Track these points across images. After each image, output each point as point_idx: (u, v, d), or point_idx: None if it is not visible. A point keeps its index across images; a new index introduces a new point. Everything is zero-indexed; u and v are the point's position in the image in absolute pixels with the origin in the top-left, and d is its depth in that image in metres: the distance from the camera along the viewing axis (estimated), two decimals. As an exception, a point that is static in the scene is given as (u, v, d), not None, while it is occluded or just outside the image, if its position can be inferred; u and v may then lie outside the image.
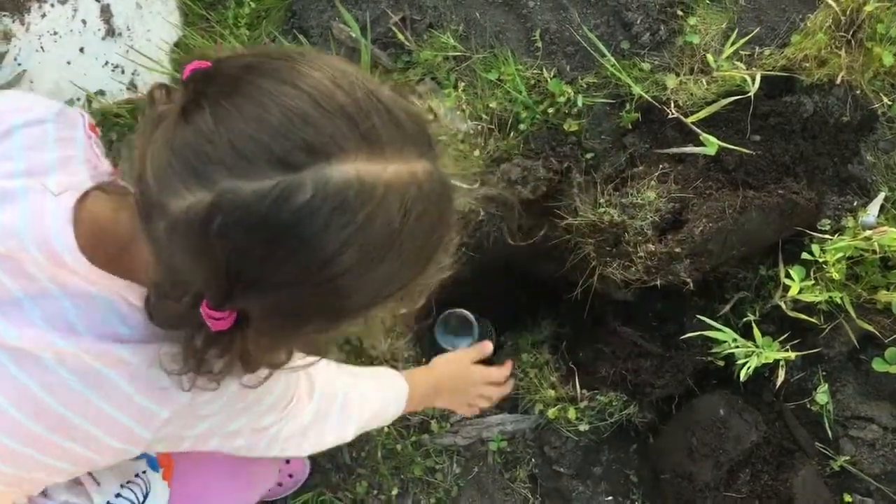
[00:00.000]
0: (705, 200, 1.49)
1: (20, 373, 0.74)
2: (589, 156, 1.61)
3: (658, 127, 1.57)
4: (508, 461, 1.63)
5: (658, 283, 1.48)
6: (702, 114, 1.47)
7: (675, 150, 1.53)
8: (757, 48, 1.56)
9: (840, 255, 1.42)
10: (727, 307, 1.56)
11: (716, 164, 1.53)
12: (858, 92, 1.54)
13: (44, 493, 0.94)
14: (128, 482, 1.00)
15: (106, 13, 1.81)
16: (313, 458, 1.64)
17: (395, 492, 1.61)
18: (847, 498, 1.46)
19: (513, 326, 1.83)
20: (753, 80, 1.48)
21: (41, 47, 1.83)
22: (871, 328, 1.43)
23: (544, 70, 1.60)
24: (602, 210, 1.53)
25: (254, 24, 1.73)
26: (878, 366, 1.42)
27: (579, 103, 1.57)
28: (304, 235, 0.62)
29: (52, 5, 1.80)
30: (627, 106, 1.59)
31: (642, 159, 1.57)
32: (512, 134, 1.61)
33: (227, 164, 0.61)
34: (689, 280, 1.48)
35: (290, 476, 1.59)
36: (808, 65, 1.54)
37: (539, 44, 1.61)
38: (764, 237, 1.48)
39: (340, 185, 0.62)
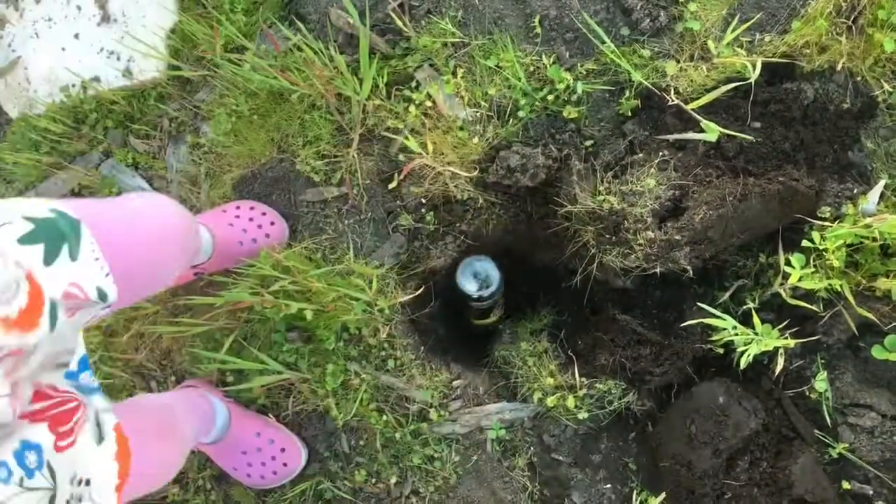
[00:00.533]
0: (705, 188, 1.48)
1: None
2: (588, 143, 1.61)
3: (658, 114, 1.56)
4: (507, 449, 1.63)
5: (658, 270, 1.48)
6: (702, 101, 1.46)
7: (675, 136, 1.52)
8: (757, 34, 1.55)
9: (840, 242, 1.41)
10: (726, 295, 1.56)
11: (716, 152, 1.52)
12: (859, 78, 1.53)
13: None
14: None
15: (101, -1, 1.79)
16: (311, 447, 1.64)
17: (393, 480, 1.61)
18: (846, 485, 1.46)
19: (512, 314, 1.82)
20: (754, 66, 1.47)
21: (35, 33, 1.81)
22: (870, 316, 1.43)
23: (543, 56, 1.59)
24: (601, 198, 1.52)
25: (251, 10, 1.71)
26: (877, 353, 1.42)
27: (579, 90, 1.56)
28: None
29: (47, -9, 1.78)
30: (627, 93, 1.58)
31: (642, 146, 1.56)
32: (511, 121, 1.61)
33: None
34: (688, 268, 1.47)
35: (286, 465, 1.58)
36: (808, 51, 1.54)
37: (538, 30, 1.60)
38: (764, 224, 1.47)
39: None
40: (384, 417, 1.61)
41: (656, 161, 1.51)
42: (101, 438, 0.99)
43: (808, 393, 1.50)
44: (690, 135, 1.49)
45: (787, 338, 1.43)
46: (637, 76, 1.53)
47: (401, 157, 1.65)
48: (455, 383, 1.66)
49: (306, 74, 1.61)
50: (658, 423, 1.56)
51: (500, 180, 1.59)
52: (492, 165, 1.60)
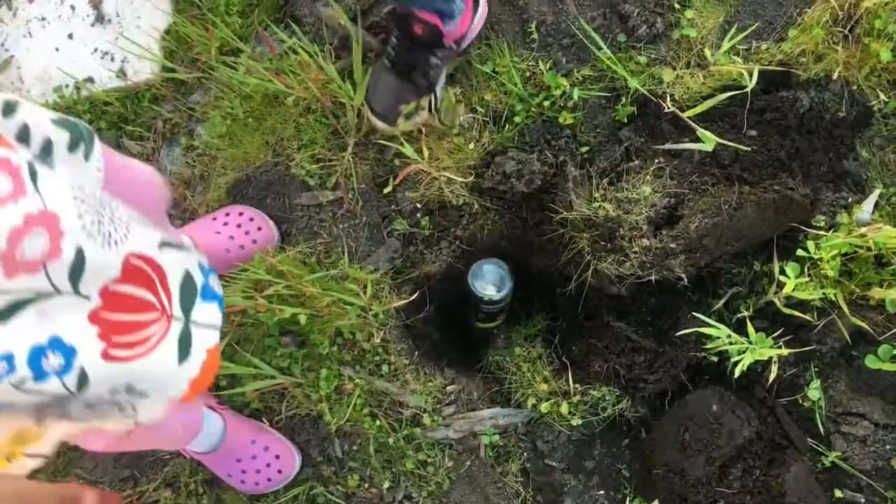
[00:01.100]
0: (701, 196, 1.48)
1: None
2: (584, 149, 1.60)
3: (654, 121, 1.56)
4: (500, 455, 1.62)
5: (653, 278, 1.48)
6: (698, 108, 1.45)
7: (670, 145, 1.52)
8: (754, 42, 1.55)
9: (835, 252, 1.41)
10: (721, 302, 1.56)
11: (711, 160, 1.52)
12: (855, 88, 1.53)
13: None
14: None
15: (95, -1, 1.78)
16: (304, 452, 1.64)
17: (386, 485, 1.60)
18: (838, 493, 1.46)
19: (506, 320, 1.82)
20: (751, 74, 1.47)
21: (29, 33, 1.80)
22: (864, 325, 1.43)
23: (540, 62, 1.59)
24: (597, 204, 1.52)
25: (245, 12, 1.70)
26: (870, 363, 1.42)
27: (575, 96, 1.56)
28: None
29: (40, -10, 1.77)
30: (623, 99, 1.58)
31: (638, 153, 1.56)
32: (507, 126, 1.60)
33: None
34: (683, 276, 1.47)
35: (280, 472, 1.58)
36: (804, 60, 1.54)
37: (535, 35, 1.60)
38: (759, 233, 1.47)
39: None
40: (377, 422, 1.60)
41: (652, 168, 1.51)
42: (184, 356, 0.94)
43: (801, 401, 1.50)
44: (687, 144, 1.49)
45: (780, 346, 1.43)
46: (633, 83, 1.53)
47: (396, 161, 1.64)
48: (449, 388, 1.65)
49: (301, 78, 1.60)
50: (652, 430, 1.56)
51: (495, 186, 1.58)
52: (487, 171, 1.60)
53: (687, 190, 1.49)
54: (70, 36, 1.78)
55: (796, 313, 1.45)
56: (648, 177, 1.51)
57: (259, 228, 1.63)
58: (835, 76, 1.53)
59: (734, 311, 1.56)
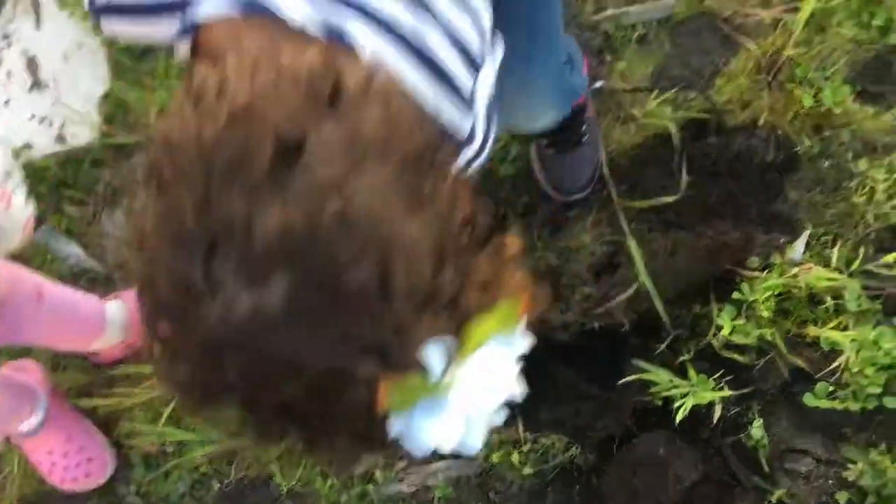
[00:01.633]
0: (637, 243, 1.51)
1: None
2: (524, 199, 1.63)
3: (590, 171, 1.60)
4: (454, 507, 1.62)
5: (595, 325, 1.50)
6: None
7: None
8: (682, 92, 1.60)
9: (769, 293, 1.45)
10: (663, 346, 1.58)
11: (647, 206, 1.56)
12: (780, 132, 1.59)
13: None
14: None
15: (32, 65, 1.77)
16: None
17: (340, 545, 1.59)
18: (786, 531, 1.48)
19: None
20: (680, 123, 1.51)
21: (-36, 101, 1.78)
22: (801, 363, 1.46)
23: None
24: (538, 254, 1.54)
25: (184, 76, 1.71)
26: (808, 401, 1.45)
27: (513, 151, 1.59)
28: None
29: (-25, 58, 1.76)
30: (560, 150, 1.61)
31: (577, 203, 1.59)
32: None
33: None
34: (625, 321, 1.50)
35: (87, 476, 1.58)
36: (731, 107, 1.59)
37: (471, 90, 1.63)
38: (694, 277, 1.51)
39: None
40: (329, 481, 1.59)
41: (590, 218, 1.54)
42: None
43: (745, 440, 1.53)
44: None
45: (722, 387, 1.46)
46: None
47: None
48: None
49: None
50: (602, 477, 1.57)
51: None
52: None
53: (623, 237, 1.52)
54: (6, 102, 1.77)
55: (735, 356, 1.48)
56: (587, 226, 1.54)
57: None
58: (761, 122, 1.58)
59: (678, 354, 1.58)
